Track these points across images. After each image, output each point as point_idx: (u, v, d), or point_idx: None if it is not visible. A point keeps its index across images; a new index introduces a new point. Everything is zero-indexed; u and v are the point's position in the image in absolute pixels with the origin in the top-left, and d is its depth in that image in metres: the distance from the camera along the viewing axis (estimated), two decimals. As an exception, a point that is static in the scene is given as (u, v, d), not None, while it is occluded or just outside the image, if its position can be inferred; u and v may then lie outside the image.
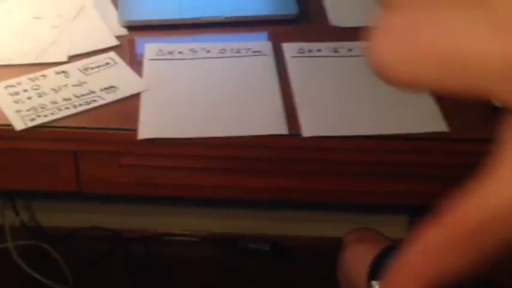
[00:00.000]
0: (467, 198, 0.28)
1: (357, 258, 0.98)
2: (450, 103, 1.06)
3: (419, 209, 1.22)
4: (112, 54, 1.19)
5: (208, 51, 1.19)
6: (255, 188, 1.12)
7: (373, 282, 0.87)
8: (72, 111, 1.06)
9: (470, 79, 0.26)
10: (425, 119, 1.06)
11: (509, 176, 0.27)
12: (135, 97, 1.10)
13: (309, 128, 1.04)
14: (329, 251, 1.78)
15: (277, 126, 1.04)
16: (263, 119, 1.05)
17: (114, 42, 1.21)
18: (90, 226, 1.81)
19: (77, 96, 1.09)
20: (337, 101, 1.09)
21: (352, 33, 1.24)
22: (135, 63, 1.17)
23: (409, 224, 1.73)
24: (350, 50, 1.20)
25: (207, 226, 1.85)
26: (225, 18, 1.26)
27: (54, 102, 1.06)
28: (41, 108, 1.05)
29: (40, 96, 1.08)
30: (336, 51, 1.20)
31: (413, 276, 0.29)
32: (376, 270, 0.89)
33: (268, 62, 1.17)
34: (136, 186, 1.13)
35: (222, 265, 1.80)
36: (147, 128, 1.03)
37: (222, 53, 1.19)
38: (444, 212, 0.29)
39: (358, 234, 1.14)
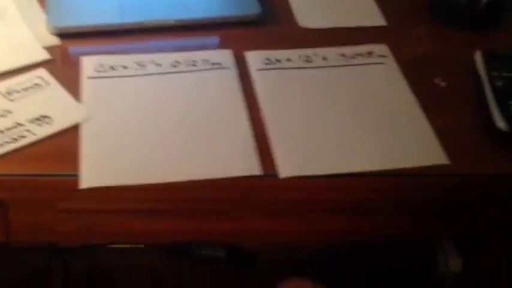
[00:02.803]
0: None
1: None
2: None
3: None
4: (42, 71, 0.99)
5: (158, 65, 1.00)
6: (216, 231, 0.96)
7: None
8: (-4, 152, 0.86)
9: None
10: (423, 150, 0.90)
11: None
12: (73, 129, 0.91)
13: (286, 167, 0.87)
14: (295, 254, 1.65)
15: (248, 165, 0.87)
16: (230, 156, 0.88)
17: (44, 55, 1.01)
18: (23, 237, 1.61)
19: (1, 132, 0.89)
20: (317, 129, 0.92)
21: (325, 36, 1.08)
22: (71, 81, 0.98)
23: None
24: (324, 58, 1.03)
25: (155, 231, 1.67)
26: (176, 21, 1.07)
27: (-28, 141, 0.87)
28: (-44, 150, 0.86)
29: (-46, 133, 0.88)
30: (308, 61, 1.02)
31: None
32: None
33: (230, 78, 0.99)
34: (77, 234, 0.95)
35: (173, 275, 1.64)
36: (91, 174, 0.85)
37: (174, 66, 1.00)
38: None
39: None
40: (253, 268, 1.66)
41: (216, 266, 1.64)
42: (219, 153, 0.88)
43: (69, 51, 1.03)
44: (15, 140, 0.89)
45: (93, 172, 0.85)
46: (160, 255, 1.65)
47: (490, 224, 0.98)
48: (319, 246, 1.54)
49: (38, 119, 0.92)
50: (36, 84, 0.97)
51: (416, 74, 1.02)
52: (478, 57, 1.02)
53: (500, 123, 0.92)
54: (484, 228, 0.99)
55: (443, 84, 1.01)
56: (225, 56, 1.02)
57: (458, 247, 1.34)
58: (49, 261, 1.63)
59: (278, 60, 1.02)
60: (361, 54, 1.04)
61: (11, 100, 0.94)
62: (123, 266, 1.66)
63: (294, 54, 1.03)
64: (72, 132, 0.91)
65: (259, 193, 0.90)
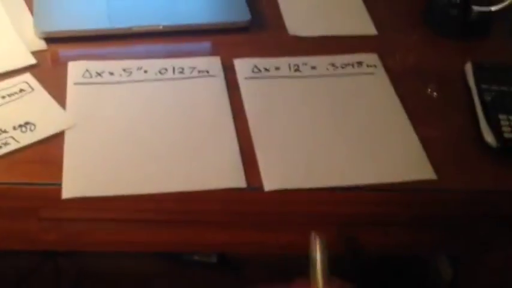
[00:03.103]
0: None
1: None
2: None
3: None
4: (27, 77, 0.98)
5: (145, 72, 0.99)
6: (201, 243, 0.95)
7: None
8: (-21, 159, 0.86)
9: None
10: (410, 165, 0.89)
11: None
12: (57, 136, 0.90)
13: (271, 180, 0.86)
14: (283, 261, 1.63)
15: (233, 178, 0.86)
16: (215, 168, 0.87)
17: (31, 60, 1.00)
18: (13, 239, 1.60)
19: (-16, 138, 0.88)
20: (304, 141, 0.91)
21: (315, 45, 1.07)
22: (57, 87, 0.97)
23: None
24: (314, 67, 1.02)
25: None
26: (163, 27, 1.05)
27: (-46, 148, 0.86)
28: None
29: None
30: (297, 70, 1.01)
31: None
32: None
33: (217, 86, 0.98)
34: (61, 243, 0.94)
35: (164, 279, 1.63)
36: (72, 185, 0.84)
37: (161, 73, 0.99)
38: None
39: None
40: (245, 273, 1.65)
41: (208, 271, 1.63)
42: (204, 165, 0.87)
43: (56, 56, 1.02)
44: (-2, 147, 0.88)
45: (75, 182, 0.84)
46: (151, 260, 1.64)
47: (478, 239, 0.96)
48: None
49: (21, 126, 0.91)
50: (22, 90, 0.96)
51: (407, 85, 1.01)
52: (468, 69, 1.01)
53: (489, 138, 0.91)
54: (473, 244, 0.97)
55: (434, 95, 1.00)
56: (212, 63, 1.01)
57: (450, 256, 1.33)
58: (39, 264, 1.62)
59: (266, 69, 1.01)
60: (350, 64, 1.03)
61: (-4, 106, 0.93)
62: (113, 270, 1.65)
63: (283, 63, 1.02)
64: (57, 139, 0.90)
65: (245, 205, 0.89)
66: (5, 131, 0.89)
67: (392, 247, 0.97)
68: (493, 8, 1.07)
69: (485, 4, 1.07)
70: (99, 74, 0.98)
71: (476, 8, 1.07)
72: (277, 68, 1.01)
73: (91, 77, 0.98)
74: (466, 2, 1.07)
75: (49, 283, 1.60)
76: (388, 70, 1.03)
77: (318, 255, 0.83)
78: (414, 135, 0.93)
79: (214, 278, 1.63)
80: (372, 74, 1.02)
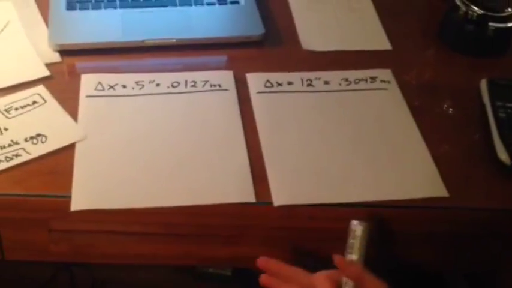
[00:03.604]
0: None
1: None
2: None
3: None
4: (41, 89, 0.98)
5: (157, 85, 0.99)
6: (209, 257, 0.94)
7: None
8: (-10, 170, 0.86)
9: None
10: (422, 182, 0.88)
11: None
12: (68, 149, 0.90)
13: (280, 195, 0.85)
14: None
15: (242, 192, 0.86)
16: (225, 182, 0.87)
17: (44, 72, 1.01)
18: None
19: (-4, 149, 0.89)
20: (315, 156, 0.90)
21: (328, 59, 1.06)
22: (70, 100, 0.97)
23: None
24: (326, 82, 1.01)
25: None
26: (176, 40, 1.05)
27: (-34, 159, 0.87)
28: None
29: (-52, 149, 0.88)
30: (310, 85, 1.01)
31: None
32: None
33: (229, 101, 0.97)
34: (71, 254, 0.94)
35: (178, 291, 1.62)
36: (81, 197, 0.84)
37: (174, 86, 0.99)
38: None
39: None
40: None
41: (222, 284, 1.62)
42: (214, 179, 0.87)
43: (69, 68, 1.03)
44: (10, 158, 0.88)
45: (84, 195, 0.84)
46: (166, 271, 1.64)
47: (490, 257, 0.95)
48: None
49: (33, 138, 0.91)
50: (34, 102, 0.96)
51: (420, 101, 1.00)
52: (483, 86, 1.00)
53: (503, 156, 0.90)
54: (487, 262, 0.96)
55: (449, 111, 0.99)
56: (225, 77, 1.01)
57: (466, 274, 1.31)
58: (54, 275, 1.62)
59: (279, 84, 1.01)
60: (364, 79, 1.02)
61: (9, 117, 0.94)
62: (128, 280, 1.65)
63: (296, 78, 1.02)
64: (67, 151, 0.90)
65: (254, 220, 0.88)
66: (16, 143, 0.90)
67: (401, 264, 0.96)
68: (510, 24, 1.06)
69: (502, 20, 1.06)
70: (111, 87, 0.99)
71: (492, 24, 1.06)
72: (289, 83, 1.01)
73: (103, 89, 0.98)
74: (483, 18, 1.06)
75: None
76: (402, 86, 1.02)
77: (359, 233, 0.82)
78: (427, 152, 0.92)
79: (228, 291, 1.63)
80: (385, 89, 1.01)
